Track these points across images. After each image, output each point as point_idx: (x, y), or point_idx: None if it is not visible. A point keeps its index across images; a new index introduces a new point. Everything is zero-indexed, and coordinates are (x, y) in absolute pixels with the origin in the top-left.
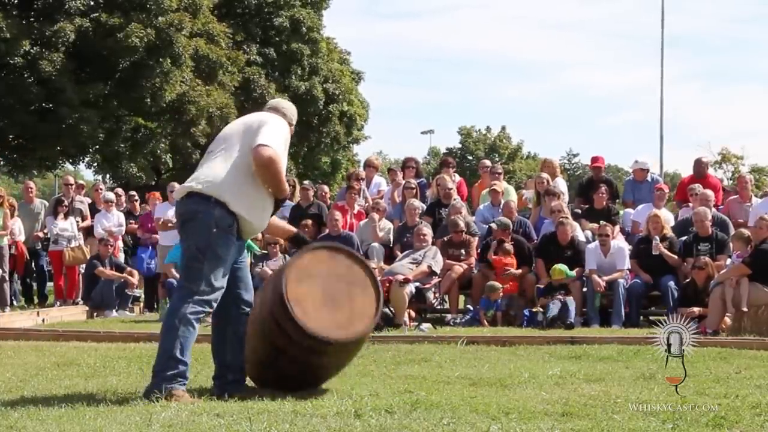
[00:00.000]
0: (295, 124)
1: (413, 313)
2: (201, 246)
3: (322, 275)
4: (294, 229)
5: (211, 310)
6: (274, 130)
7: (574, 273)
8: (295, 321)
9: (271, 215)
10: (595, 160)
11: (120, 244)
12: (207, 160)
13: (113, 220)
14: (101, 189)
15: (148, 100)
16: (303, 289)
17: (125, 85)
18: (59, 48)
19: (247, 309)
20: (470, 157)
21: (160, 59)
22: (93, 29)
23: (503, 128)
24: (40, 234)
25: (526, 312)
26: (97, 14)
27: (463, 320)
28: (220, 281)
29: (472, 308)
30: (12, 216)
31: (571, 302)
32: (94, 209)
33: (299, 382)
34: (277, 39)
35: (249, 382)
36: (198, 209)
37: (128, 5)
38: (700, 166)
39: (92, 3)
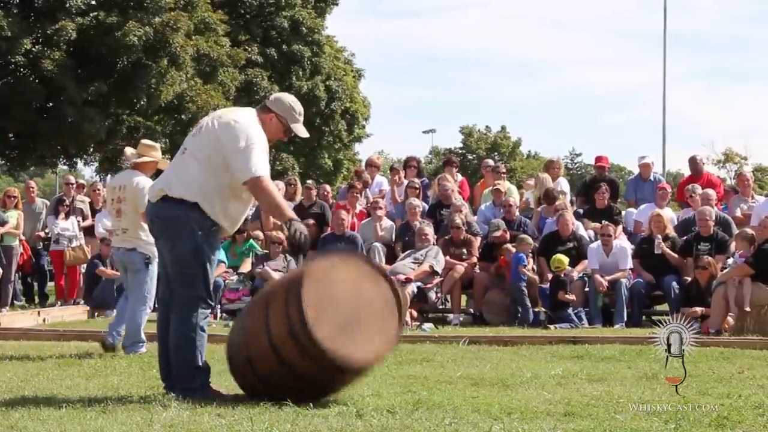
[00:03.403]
0: (287, 117)
1: (415, 313)
2: (190, 251)
3: (340, 294)
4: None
5: (211, 309)
6: (248, 149)
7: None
8: (318, 345)
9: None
10: (599, 159)
11: None
12: (179, 160)
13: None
14: (99, 189)
15: (144, 101)
16: (322, 312)
17: (122, 84)
18: (60, 46)
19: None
20: (471, 157)
21: (157, 60)
22: (92, 28)
23: (503, 128)
24: (42, 234)
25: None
26: (96, 13)
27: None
28: (211, 280)
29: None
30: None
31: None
32: (93, 209)
33: (296, 394)
34: (278, 39)
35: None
36: (176, 214)
37: (126, 4)
38: (695, 163)
39: (93, 2)
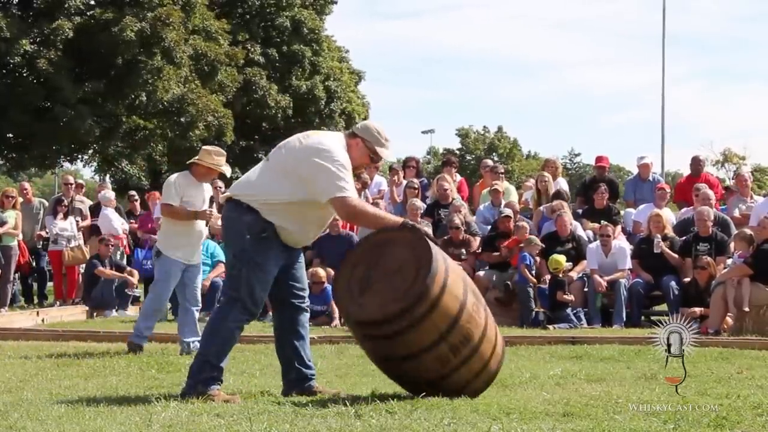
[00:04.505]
0: (373, 141)
1: None
2: (237, 253)
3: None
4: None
5: (253, 319)
6: (334, 169)
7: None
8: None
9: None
10: (599, 159)
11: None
12: (256, 167)
13: (117, 218)
14: (106, 186)
15: (144, 98)
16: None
17: (119, 82)
18: (57, 46)
19: (303, 302)
20: (469, 157)
21: (152, 55)
22: (89, 26)
23: (500, 128)
24: (43, 233)
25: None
26: (92, 12)
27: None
28: (262, 289)
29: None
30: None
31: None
32: (97, 209)
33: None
34: (278, 39)
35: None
36: (231, 216)
37: (122, 1)
38: (697, 164)
39: (92, 2)
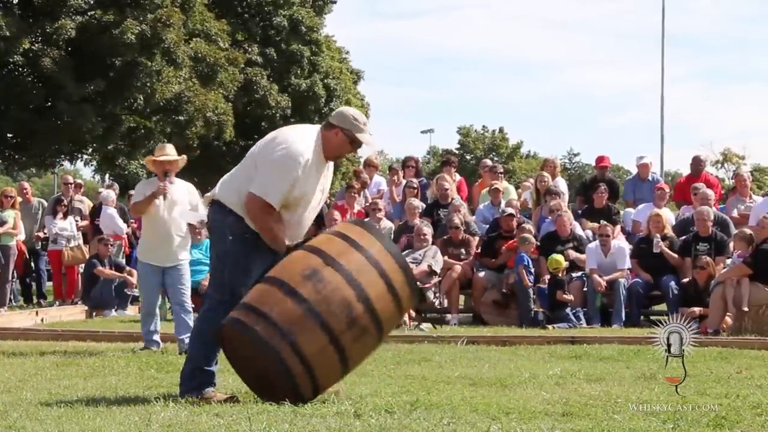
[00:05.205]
0: (351, 129)
1: (413, 313)
2: (220, 254)
3: None
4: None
5: None
6: (275, 171)
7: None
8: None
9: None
10: (600, 159)
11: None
12: (239, 165)
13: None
14: (114, 188)
15: (141, 101)
16: None
17: (119, 83)
18: (60, 45)
19: None
20: (468, 157)
21: (152, 57)
22: (91, 26)
23: (501, 129)
24: (41, 234)
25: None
26: (94, 12)
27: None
28: (243, 290)
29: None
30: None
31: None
32: (98, 212)
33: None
34: (277, 38)
35: None
36: (215, 218)
37: (123, 2)
38: (698, 164)
39: (92, 2)
